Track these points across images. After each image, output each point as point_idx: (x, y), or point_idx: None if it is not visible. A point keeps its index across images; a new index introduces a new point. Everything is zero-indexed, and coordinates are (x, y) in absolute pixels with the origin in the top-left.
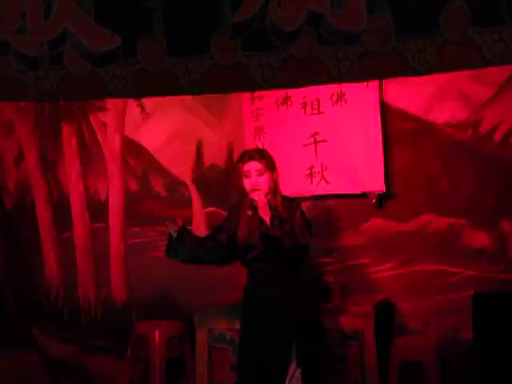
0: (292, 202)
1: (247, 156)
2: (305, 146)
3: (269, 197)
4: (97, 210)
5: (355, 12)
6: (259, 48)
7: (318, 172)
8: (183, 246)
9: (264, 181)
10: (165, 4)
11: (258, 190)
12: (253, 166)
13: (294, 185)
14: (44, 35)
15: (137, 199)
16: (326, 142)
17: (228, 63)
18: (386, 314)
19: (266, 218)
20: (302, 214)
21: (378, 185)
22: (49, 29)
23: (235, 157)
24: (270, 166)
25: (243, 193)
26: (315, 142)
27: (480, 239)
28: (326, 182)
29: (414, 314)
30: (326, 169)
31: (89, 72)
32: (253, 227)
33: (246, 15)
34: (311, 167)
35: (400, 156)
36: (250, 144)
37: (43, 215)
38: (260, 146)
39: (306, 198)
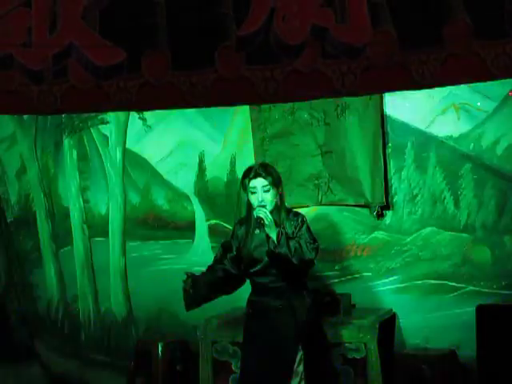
0: (297, 217)
1: (253, 172)
2: (312, 156)
3: (274, 213)
4: (97, 223)
5: (359, 26)
6: (263, 61)
7: (325, 183)
8: (199, 293)
9: (270, 197)
10: (169, 18)
11: (264, 206)
12: (259, 183)
13: (300, 195)
14: (49, 49)
15: (138, 212)
16: (332, 152)
17: (232, 77)
18: (389, 328)
19: (273, 234)
20: (308, 229)
21: (379, 197)
22: (54, 43)
23: (237, 170)
24: (276, 182)
25: (249, 208)
26: (322, 153)
27: (482, 253)
28: (332, 193)
29: (416, 328)
30: (332, 179)
31: (93, 85)
32: (258, 242)
33: (251, 29)
34: (318, 178)
35: (402, 169)
36: (259, 155)
37: (43, 229)
38: (265, 161)
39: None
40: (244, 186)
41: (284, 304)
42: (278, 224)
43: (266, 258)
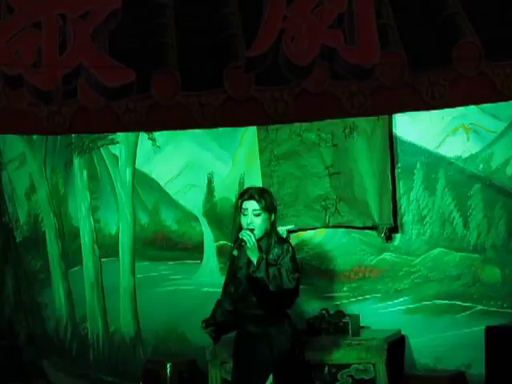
0: (283, 245)
1: (248, 194)
2: (319, 177)
3: (264, 239)
4: (107, 243)
5: (368, 46)
6: (272, 82)
7: (333, 204)
8: (221, 333)
9: (259, 221)
10: (179, 39)
11: (253, 229)
12: (251, 205)
13: (308, 216)
14: (58, 70)
15: (147, 232)
16: (339, 174)
17: (241, 97)
18: (398, 348)
19: (254, 258)
20: (292, 258)
21: (386, 218)
22: (63, 63)
23: None
24: (269, 207)
25: (239, 229)
26: (329, 174)
27: (492, 274)
28: (340, 215)
29: (426, 348)
30: (340, 201)
31: (102, 106)
32: (241, 265)
33: (260, 50)
34: (326, 199)
35: (411, 189)
36: (266, 176)
37: (53, 249)
38: (272, 181)
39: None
40: (236, 207)
41: (261, 332)
42: (262, 249)
43: (244, 282)
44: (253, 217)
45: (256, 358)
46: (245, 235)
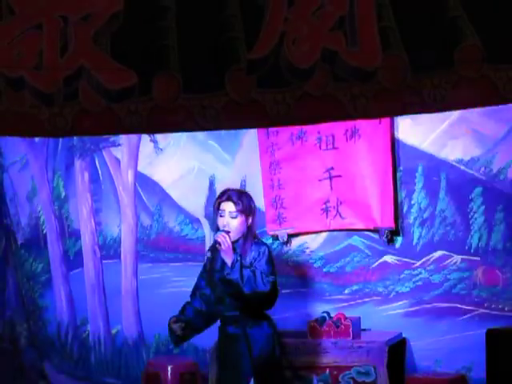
0: (260, 248)
1: (226, 195)
2: (320, 180)
3: (240, 241)
4: (109, 245)
5: (370, 49)
6: (274, 85)
7: (334, 207)
8: (188, 334)
9: (236, 223)
10: (180, 41)
11: (228, 232)
12: (227, 207)
13: (309, 219)
14: (60, 72)
15: (149, 235)
16: (340, 177)
17: (243, 100)
18: (399, 351)
19: (228, 260)
20: (268, 261)
21: (387, 221)
22: (65, 65)
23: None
24: (246, 210)
25: (217, 230)
26: (330, 177)
27: (493, 277)
28: (341, 217)
29: (427, 351)
30: (341, 204)
31: (104, 108)
32: (217, 268)
33: (261, 52)
34: (326, 202)
35: (413, 192)
36: (266, 179)
37: (54, 251)
38: (273, 185)
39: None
40: (214, 207)
41: (239, 333)
42: (237, 252)
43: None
44: (229, 219)
45: (236, 359)
46: (220, 237)
